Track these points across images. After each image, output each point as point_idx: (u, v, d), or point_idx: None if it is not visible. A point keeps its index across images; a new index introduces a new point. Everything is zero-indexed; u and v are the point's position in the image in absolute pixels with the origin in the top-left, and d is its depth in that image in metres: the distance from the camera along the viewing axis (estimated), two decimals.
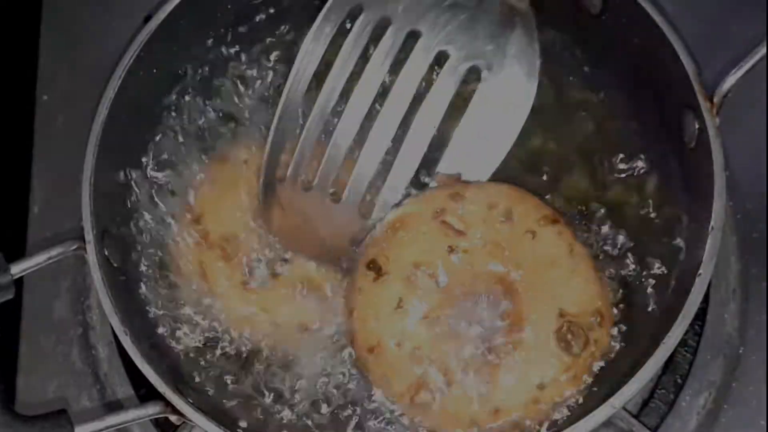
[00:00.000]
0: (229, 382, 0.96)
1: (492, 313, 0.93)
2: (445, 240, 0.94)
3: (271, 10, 1.08)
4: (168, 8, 0.97)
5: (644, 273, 0.95)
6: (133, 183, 1.00)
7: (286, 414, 0.95)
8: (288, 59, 1.06)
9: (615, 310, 0.95)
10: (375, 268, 0.94)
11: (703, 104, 0.89)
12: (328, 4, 1.00)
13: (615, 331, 0.93)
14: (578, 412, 0.88)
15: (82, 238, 0.90)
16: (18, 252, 1.08)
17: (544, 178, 1.01)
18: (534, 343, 0.91)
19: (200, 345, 0.97)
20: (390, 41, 1.01)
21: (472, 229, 0.94)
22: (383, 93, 1.01)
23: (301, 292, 0.98)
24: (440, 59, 1.01)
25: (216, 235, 1.00)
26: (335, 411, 0.95)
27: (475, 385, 0.91)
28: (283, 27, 1.09)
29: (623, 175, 1.00)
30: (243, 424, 0.92)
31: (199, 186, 1.02)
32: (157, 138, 1.04)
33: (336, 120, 1.01)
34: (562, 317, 0.91)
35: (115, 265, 0.93)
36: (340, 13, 1.02)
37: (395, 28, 1.01)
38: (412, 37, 1.01)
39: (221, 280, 0.99)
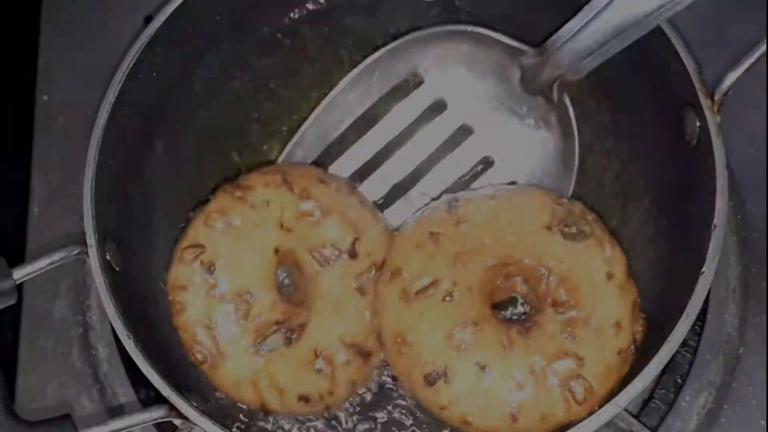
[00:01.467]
0: None
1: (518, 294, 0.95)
2: (443, 305, 0.92)
3: (275, 24, 1.10)
4: (168, 11, 0.97)
5: (646, 272, 0.96)
6: (135, 187, 1.01)
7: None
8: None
9: None
10: (431, 378, 0.90)
11: (704, 102, 0.89)
12: (375, 57, 1.02)
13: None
14: None
15: (84, 242, 0.89)
16: (18, 250, 1.08)
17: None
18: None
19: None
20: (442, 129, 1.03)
21: (441, 278, 0.93)
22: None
23: (318, 365, 0.93)
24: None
25: (232, 288, 0.93)
26: None
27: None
28: (287, 41, 1.11)
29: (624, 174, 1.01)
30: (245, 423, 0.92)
31: (209, 219, 0.95)
32: (159, 143, 1.04)
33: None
34: (548, 229, 0.92)
35: (117, 269, 0.92)
36: (388, 76, 1.03)
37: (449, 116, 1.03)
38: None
39: (229, 341, 0.92)
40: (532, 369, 0.88)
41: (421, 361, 0.90)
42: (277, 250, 0.94)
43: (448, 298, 0.91)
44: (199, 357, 0.92)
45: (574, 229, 0.92)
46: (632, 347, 0.90)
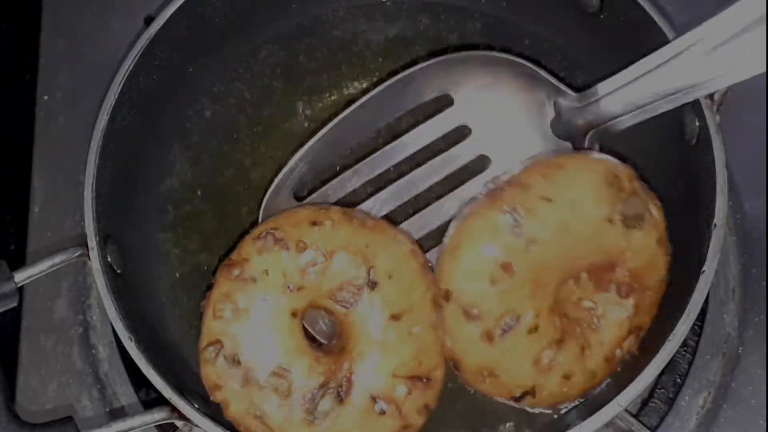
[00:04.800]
0: None
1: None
2: (529, 337, 0.89)
3: (278, 27, 1.10)
4: (168, 13, 0.97)
5: None
6: (135, 189, 1.01)
7: None
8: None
9: None
10: (518, 398, 0.89)
11: (703, 102, 0.89)
12: (408, 73, 0.95)
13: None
14: (583, 412, 0.88)
15: (85, 244, 0.89)
16: (19, 249, 1.08)
17: None
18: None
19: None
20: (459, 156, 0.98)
21: (523, 312, 0.89)
22: None
23: (378, 408, 0.88)
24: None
25: (264, 371, 0.87)
26: None
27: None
28: (289, 45, 1.11)
29: None
30: None
31: (216, 311, 0.88)
32: (159, 144, 1.04)
33: None
34: (609, 222, 0.88)
35: (119, 271, 0.92)
36: (416, 95, 0.97)
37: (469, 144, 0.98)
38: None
39: (283, 422, 0.87)
40: (606, 358, 0.90)
41: (510, 387, 0.89)
42: (294, 314, 0.88)
43: (534, 330, 0.88)
44: None
45: (632, 214, 0.88)
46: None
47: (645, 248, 0.89)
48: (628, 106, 0.89)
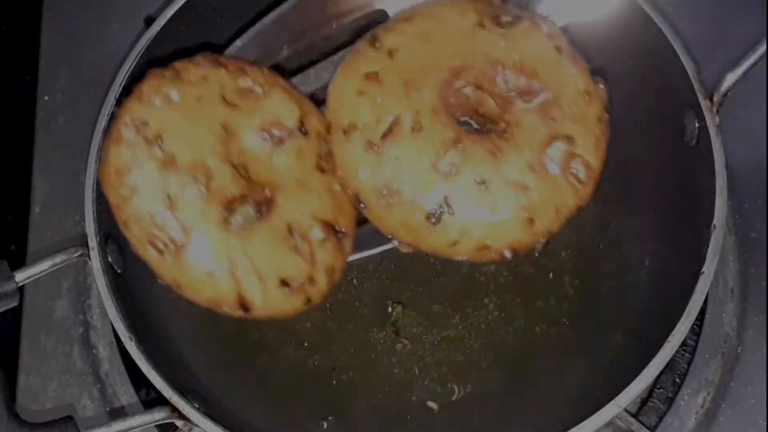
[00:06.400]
0: (234, 381, 0.96)
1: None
2: (416, 138, 0.87)
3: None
4: (168, 14, 0.97)
5: (646, 272, 0.96)
6: None
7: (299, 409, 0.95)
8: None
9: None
10: (435, 215, 0.85)
11: (703, 103, 0.89)
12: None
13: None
14: (583, 412, 0.88)
15: (86, 244, 0.89)
16: (19, 249, 1.08)
17: None
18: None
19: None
20: None
21: (401, 113, 0.87)
22: None
23: (294, 241, 0.87)
24: None
25: (186, 159, 0.85)
26: None
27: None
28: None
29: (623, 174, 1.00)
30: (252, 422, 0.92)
31: (143, 96, 0.86)
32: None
33: None
34: (481, 26, 0.90)
35: (119, 271, 0.92)
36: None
37: None
38: None
39: (195, 216, 0.84)
40: (529, 165, 0.86)
41: (417, 202, 0.86)
42: (225, 129, 0.87)
43: (418, 129, 0.86)
44: (159, 245, 0.84)
45: (506, 17, 0.90)
46: (606, 112, 0.89)
47: (536, 51, 0.89)
48: None
